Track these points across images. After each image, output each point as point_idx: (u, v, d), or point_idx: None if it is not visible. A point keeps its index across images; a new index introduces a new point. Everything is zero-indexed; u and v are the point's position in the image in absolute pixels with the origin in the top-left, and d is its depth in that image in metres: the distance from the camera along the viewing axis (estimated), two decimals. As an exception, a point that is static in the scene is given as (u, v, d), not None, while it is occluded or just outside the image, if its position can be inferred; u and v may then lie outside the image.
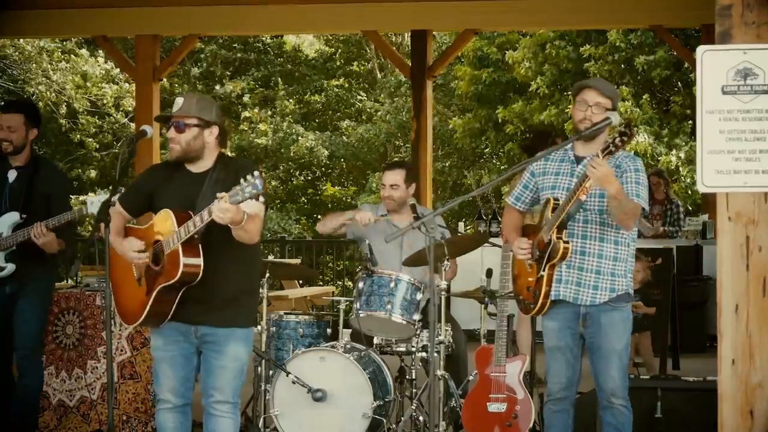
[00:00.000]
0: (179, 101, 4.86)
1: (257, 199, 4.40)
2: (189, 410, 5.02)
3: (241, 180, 4.40)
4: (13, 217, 6.08)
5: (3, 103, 6.61)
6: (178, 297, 4.77)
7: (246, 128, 21.26)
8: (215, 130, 4.87)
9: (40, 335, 6.28)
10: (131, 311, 4.91)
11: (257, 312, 5.29)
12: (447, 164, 20.40)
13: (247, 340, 4.96)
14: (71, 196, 6.71)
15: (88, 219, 6.04)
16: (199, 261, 4.71)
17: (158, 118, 4.92)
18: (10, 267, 6.08)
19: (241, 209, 4.47)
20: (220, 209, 4.46)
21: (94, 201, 5.83)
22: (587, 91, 5.15)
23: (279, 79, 21.91)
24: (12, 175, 6.18)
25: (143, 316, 4.83)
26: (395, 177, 6.81)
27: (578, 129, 5.17)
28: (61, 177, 6.65)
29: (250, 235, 4.68)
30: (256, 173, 4.39)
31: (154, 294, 4.77)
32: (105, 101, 19.72)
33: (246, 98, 21.57)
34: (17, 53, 18.36)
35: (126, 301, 4.94)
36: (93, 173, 20.65)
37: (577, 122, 5.17)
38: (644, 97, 16.34)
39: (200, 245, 4.70)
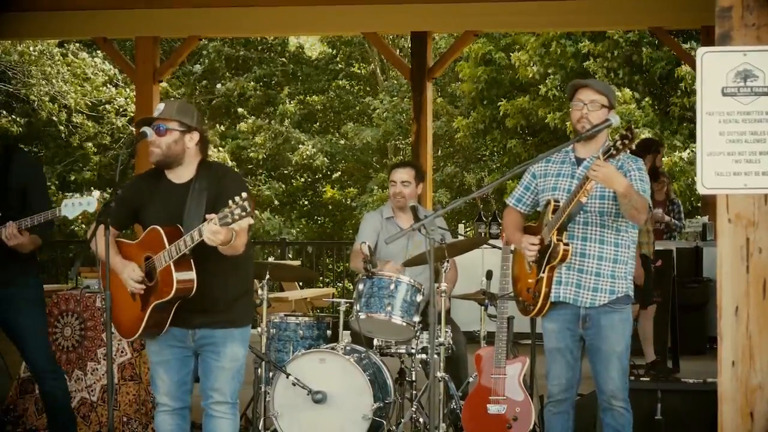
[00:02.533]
0: (160, 106, 4.88)
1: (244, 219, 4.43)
2: (187, 413, 5.03)
3: (230, 202, 4.41)
4: None
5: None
6: (174, 309, 4.79)
7: (241, 142, 21.26)
8: (196, 135, 4.88)
9: (45, 344, 6.00)
10: (128, 327, 4.91)
11: (254, 311, 5.29)
12: (451, 167, 20.40)
13: (244, 339, 4.96)
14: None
15: (57, 222, 5.71)
16: (192, 275, 4.72)
17: (139, 122, 4.91)
18: None
19: (231, 229, 4.49)
20: (212, 232, 4.48)
21: (68, 204, 5.49)
22: (581, 90, 5.18)
23: (281, 79, 21.93)
24: None
25: (139, 332, 4.84)
26: (406, 174, 6.84)
27: (576, 129, 5.19)
28: (37, 167, 6.11)
29: (236, 250, 4.70)
30: (244, 195, 4.41)
31: (149, 311, 4.78)
32: (107, 106, 19.70)
33: (247, 96, 21.57)
34: (17, 56, 18.35)
35: (122, 315, 4.92)
36: (88, 174, 20.66)
37: (575, 122, 5.20)
38: (646, 99, 16.36)
39: (192, 259, 4.71)
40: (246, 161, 21.21)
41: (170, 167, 4.88)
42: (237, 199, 4.41)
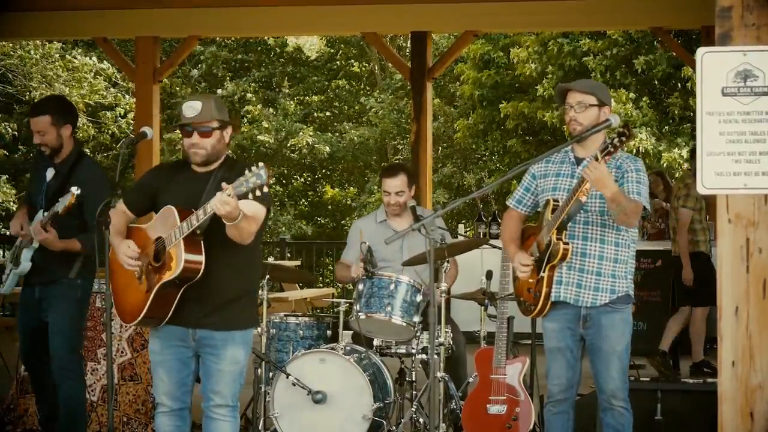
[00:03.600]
0: (197, 106, 4.79)
1: (261, 190, 4.38)
2: (186, 414, 5.02)
3: (246, 171, 4.39)
4: (39, 217, 5.93)
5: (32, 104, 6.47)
6: (178, 296, 4.76)
7: (246, 128, 21.26)
8: (230, 129, 4.91)
9: (71, 344, 6.03)
10: (130, 309, 4.89)
11: (256, 314, 5.28)
12: (450, 167, 20.38)
13: (246, 342, 4.95)
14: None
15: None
16: (201, 258, 4.69)
17: (180, 126, 4.82)
18: (25, 266, 5.98)
19: (239, 207, 4.47)
20: (221, 200, 4.44)
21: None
22: (568, 94, 5.22)
23: (281, 80, 21.91)
24: (50, 173, 6.03)
25: (142, 315, 4.81)
26: (399, 183, 6.76)
27: (571, 132, 5.21)
28: (96, 180, 6.01)
29: (242, 235, 4.67)
30: (261, 164, 4.39)
31: (154, 291, 4.75)
32: (108, 113, 19.67)
33: (247, 98, 21.57)
34: (18, 60, 18.34)
35: (125, 299, 4.92)
36: None
37: (567, 125, 5.23)
38: (644, 99, 16.35)
39: (202, 243, 4.69)
40: (255, 147, 21.12)
41: (211, 164, 4.87)
42: (254, 168, 4.38)
